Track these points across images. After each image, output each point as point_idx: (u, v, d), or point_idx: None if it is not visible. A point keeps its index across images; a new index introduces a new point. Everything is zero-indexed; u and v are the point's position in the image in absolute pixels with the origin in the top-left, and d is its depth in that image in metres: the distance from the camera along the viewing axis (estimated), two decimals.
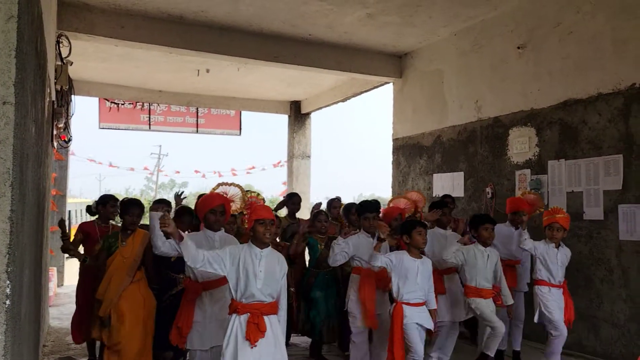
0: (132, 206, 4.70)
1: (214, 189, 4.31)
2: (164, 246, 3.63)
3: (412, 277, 4.34)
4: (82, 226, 5.46)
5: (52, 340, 6.61)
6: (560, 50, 6.44)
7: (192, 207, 5.38)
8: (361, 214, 4.86)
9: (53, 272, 9.41)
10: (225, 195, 4.25)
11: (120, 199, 5.25)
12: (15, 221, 2.24)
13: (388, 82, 9.81)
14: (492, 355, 4.84)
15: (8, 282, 2.16)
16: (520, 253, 5.44)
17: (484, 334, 4.88)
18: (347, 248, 4.74)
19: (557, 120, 6.46)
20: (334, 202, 6.48)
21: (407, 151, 9.21)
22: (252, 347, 3.34)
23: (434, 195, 8.28)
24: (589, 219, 6.01)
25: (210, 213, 4.11)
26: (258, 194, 4.13)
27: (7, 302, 2.16)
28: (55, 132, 6.55)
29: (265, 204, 4.13)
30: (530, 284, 5.52)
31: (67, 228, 5.35)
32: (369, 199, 5.29)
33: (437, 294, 4.75)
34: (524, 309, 5.63)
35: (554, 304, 4.89)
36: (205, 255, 3.40)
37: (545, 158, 6.60)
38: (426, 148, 8.73)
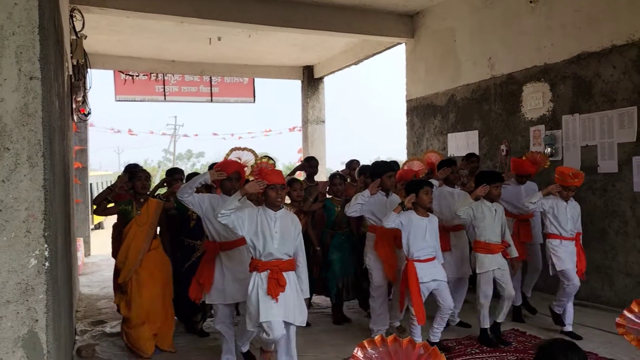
0: (137, 172, 4.87)
1: (227, 154, 4.43)
2: (189, 196, 4.11)
3: (420, 234, 4.51)
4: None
5: (84, 306, 6.92)
6: (573, 2, 6.35)
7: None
8: (379, 175, 4.95)
9: (80, 242, 9.72)
10: (239, 160, 4.37)
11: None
12: (48, 189, 2.39)
13: (400, 43, 9.74)
14: (501, 321, 4.99)
15: (46, 245, 2.33)
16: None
17: (479, 303, 4.94)
18: (366, 204, 4.87)
19: (570, 75, 6.43)
20: (353, 164, 6.57)
21: (421, 112, 9.22)
22: (275, 301, 3.54)
23: (449, 155, 8.32)
24: (604, 172, 6.04)
25: (226, 180, 4.26)
26: (268, 159, 4.22)
27: (47, 264, 2.33)
28: (74, 106, 6.70)
29: (278, 168, 4.25)
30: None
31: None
32: (385, 160, 5.42)
33: (443, 250, 4.90)
34: (541, 260, 5.74)
35: (565, 254, 4.99)
36: (232, 216, 3.62)
37: (559, 113, 6.60)
38: (440, 108, 8.74)
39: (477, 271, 4.92)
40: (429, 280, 4.51)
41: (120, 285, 4.81)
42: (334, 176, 5.77)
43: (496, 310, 4.96)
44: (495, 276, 4.88)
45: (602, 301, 6.02)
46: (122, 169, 6.15)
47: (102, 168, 36.29)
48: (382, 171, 4.99)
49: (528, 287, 5.83)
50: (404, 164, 5.99)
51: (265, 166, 3.95)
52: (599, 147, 6.11)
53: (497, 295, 4.96)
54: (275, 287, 3.57)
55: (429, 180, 5.06)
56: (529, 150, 6.75)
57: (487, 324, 4.94)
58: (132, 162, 6.09)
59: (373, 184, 4.88)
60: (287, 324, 3.67)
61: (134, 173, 4.87)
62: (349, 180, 6.11)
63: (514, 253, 5.02)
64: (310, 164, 6.84)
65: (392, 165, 5.16)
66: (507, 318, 5.46)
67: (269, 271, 3.63)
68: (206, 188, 5.12)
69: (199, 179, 4.20)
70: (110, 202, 5.04)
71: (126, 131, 20.11)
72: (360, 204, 4.84)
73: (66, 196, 4.33)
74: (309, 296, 3.99)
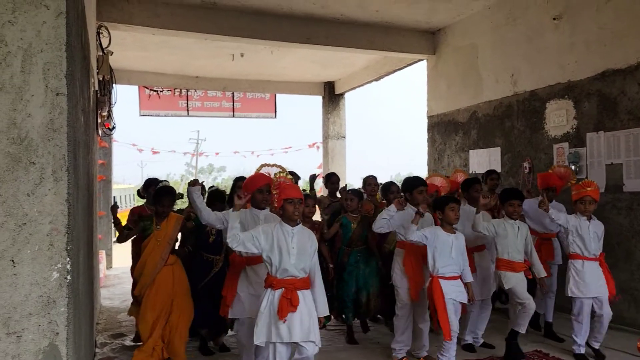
0: (163, 197, 4.89)
1: (258, 169, 4.47)
2: (210, 218, 4.13)
3: (446, 251, 4.43)
4: (134, 210, 5.74)
5: (105, 318, 6.97)
6: (598, 19, 6.29)
7: (228, 190, 5.61)
8: (412, 189, 4.94)
9: (102, 255, 9.84)
10: (269, 175, 4.40)
11: (162, 182, 5.46)
12: (72, 203, 2.43)
13: (422, 59, 9.75)
14: (523, 332, 4.88)
15: (68, 259, 2.36)
16: (555, 226, 5.39)
17: (514, 311, 4.91)
18: (393, 219, 4.80)
19: (595, 92, 6.35)
20: (369, 180, 6.51)
21: (442, 128, 9.18)
22: (283, 322, 3.50)
23: (470, 172, 8.26)
24: (629, 190, 5.93)
25: (258, 192, 4.30)
26: (287, 174, 4.24)
27: (68, 277, 2.36)
28: (99, 121, 6.82)
29: (299, 184, 4.27)
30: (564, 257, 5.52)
31: (117, 212, 5.59)
32: (413, 176, 5.40)
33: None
34: (556, 281, 5.63)
35: (588, 279, 4.83)
36: (241, 237, 3.61)
37: (583, 131, 6.51)
38: (462, 124, 8.69)
39: (506, 287, 4.85)
40: (452, 297, 4.44)
41: (135, 297, 4.86)
42: (344, 191, 5.75)
43: (515, 320, 4.93)
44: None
45: (627, 323, 5.87)
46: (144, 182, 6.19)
47: (126, 181, 36.85)
48: (413, 186, 4.96)
49: (549, 313, 5.66)
50: (426, 179, 5.96)
51: (283, 180, 3.94)
52: (624, 165, 6.00)
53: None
54: (286, 307, 3.51)
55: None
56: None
57: (523, 330, 4.87)
58: (154, 175, 6.17)
59: (397, 200, 4.84)
60: (300, 345, 3.58)
61: (159, 196, 4.90)
62: (365, 196, 6.07)
63: (542, 273, 4.94)
64: (331, 181, 6.84)
65: (423, 181, 5.12)
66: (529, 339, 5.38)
67: (283, 289, 3.58)
68: (229, 204, 5.16)
69: (197, 201, 4.23)
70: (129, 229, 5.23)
71: (149, 149, 20.52)
72: (386, 219, 4.80)
73: (89, 209, 4.40)
74: (327, 314, 3.94)
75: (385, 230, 4.93)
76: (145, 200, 5.78)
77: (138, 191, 5.95)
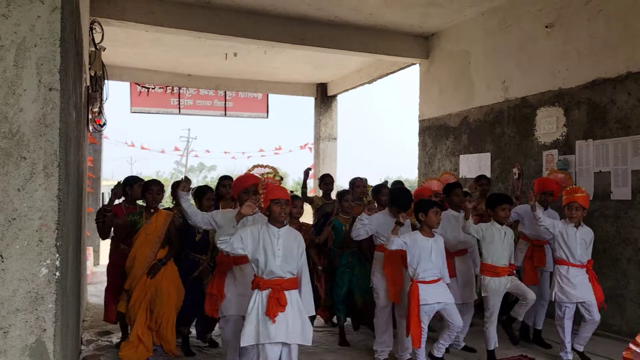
0: (150, 184, 4.91)
1: (249, 170, 4.46)
2: (197, 219, 4.26)
3: (426, 255, 4.47)
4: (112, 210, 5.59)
5: (91, 315, 6.92)
6: (589, 28, 6.36)
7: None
8: (394, 205, 4.97)
9: (90, 251, 9.77)
10: (260, 176, 4.40)
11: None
12: (62, 199, 2.42)
13: (414, 63, 9.79)
14: (521, 319, 5.05)
15: (57, 255, 2.35)
16: (548, 233, 5.39)
17: (486, 324, 4.94)
18: (370, 224, 4.89)
19: (585, 100, 6.41)
20: (357, 182, 6.48)
21: (433, 132, 9.22)
22: (272, 322, 3.49)
23: (460, 177, 8.30)
24: (617, 199, 5.99)
25: (244, 193, 4.30)
26: (274, 175, 4.25)
27: (57, 273, 2.35)
28: (90, 117, 6.77)
29: (287, 184, 4.28)
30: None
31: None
32: (403, 188, 5.44)
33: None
34: (549, 288, 5.66)
35: (571, 286, 4.85)
36: (231, 240, 3.59)
37: (573, 138, 6.57)
38: (453, 129, 8.73)
39: (483, 294, 4.89)
40: (433, 302, 4.46)
41: (126, 291, 4.83)
42: (345, 193, 5.75)
43: (514, 308, 5.05)
44: (508, 291, 4.94)
45: (613, 330, 5.92)
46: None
47: (115, 178, 36.49)
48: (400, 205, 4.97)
49: (539, 320, 5.65)
50: (423, 183, 5.98)
51: (270, 181, 3.94)
52: (612, 173, 6.06)
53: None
54: (275, 306, 3.50)
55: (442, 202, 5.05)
56: (541, 174, 6.71)
57: (492, 346, 4.88)
58: (144, 173, 6.12)
59: (369, 205, 4.93)
60: (286, 344, 3.57)
61: (146, 185, 4.92)
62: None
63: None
64: (325, 182, 6.82)
65: (410, 201, 5.07)
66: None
67: (270, 290, 3.58)
68: (216, 202, 5.15)
69: (185, 204, 4.34)
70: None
71: (139, 145, 20.33)
72: (363, 227, 4.87)
73: (78, 206, 4.37)
74: (313, 314, 3.94)
75: (364, 236, 4.99)
76: (123, 199, 5.47)
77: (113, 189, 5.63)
